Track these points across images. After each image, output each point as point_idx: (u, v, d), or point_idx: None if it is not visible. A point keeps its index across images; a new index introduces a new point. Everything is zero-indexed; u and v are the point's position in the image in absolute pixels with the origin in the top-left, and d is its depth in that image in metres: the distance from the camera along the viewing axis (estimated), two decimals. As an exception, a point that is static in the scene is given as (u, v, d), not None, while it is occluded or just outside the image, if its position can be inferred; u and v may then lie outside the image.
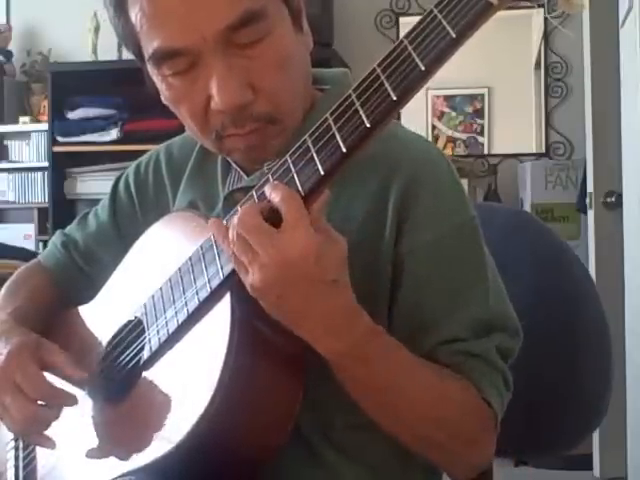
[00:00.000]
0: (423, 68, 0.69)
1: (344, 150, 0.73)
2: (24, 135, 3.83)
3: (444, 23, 0.68)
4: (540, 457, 2.86)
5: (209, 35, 0.85)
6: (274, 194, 0.76)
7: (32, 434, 0.96)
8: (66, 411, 0.95)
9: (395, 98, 0.70)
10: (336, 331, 0.80)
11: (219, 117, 0.89)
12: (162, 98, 0.96)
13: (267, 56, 0.88)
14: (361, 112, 0.72)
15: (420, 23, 0.70)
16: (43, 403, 0.94)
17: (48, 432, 0.96)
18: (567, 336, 1.14)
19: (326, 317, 0.79)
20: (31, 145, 3.81)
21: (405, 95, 0.70)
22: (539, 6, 3.53)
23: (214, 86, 0.86)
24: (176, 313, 0.89)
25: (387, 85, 0.71)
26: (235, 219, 0.77)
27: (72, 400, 0.94)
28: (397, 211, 0.92)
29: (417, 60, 0.69)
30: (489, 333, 0.91)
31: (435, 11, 0.69)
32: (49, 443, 0.96)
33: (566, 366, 1.12)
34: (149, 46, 0.89)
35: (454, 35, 0.67)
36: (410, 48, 0.70)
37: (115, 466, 0.91)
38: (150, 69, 0.93)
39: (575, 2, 0.68)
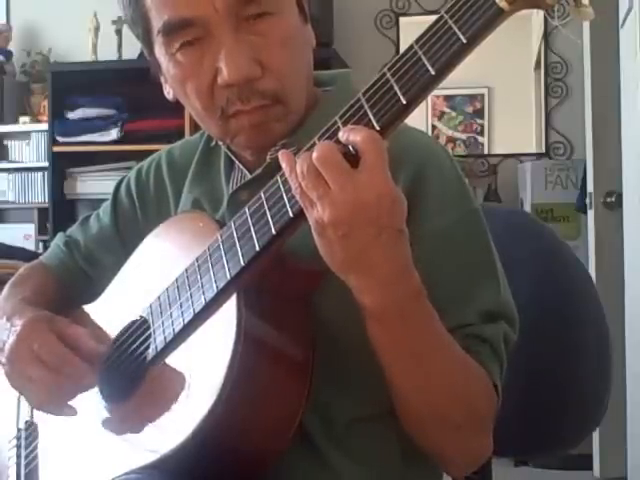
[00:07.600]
0: (433, 72, 0.70)
1: (353, 152, 0.74)
2: (24, 135, 3.82)
3: (454, 28, 0.69)
4: (540, 457, 2.86)
5: (220, 5, 0.87)
6: (354, 135, 0.73)
7: (57, 405, 0.95)
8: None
9: (405, 102, 0.72)
10: (388, 282, 0.78)
11: (225, 92, 0.90)
12: (169, 81, 0.96)
13: (275, 34, 0.90)
14: (370, 115, 0.74)
15: (430, 28, 0.71)
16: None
17: (51, 430, 0.95)
18: (566, 336, 1.14)
19: (383, 265, 0.76)
20: (31, 145, 3.80)
21: (415, 99, 0.72)
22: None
23: (222, 59, 0.88)
24: (182, 313, 0.89)
25: (397, 89, 0.72)
26: (307, 154, 0.74)
27: (88, 371, 0.93)
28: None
29: (427, 65, 0.71)
30: (496, 320, 0.92)
31: (446, 17, 0.70)
32: (74, 412, 0.95)
33: (566, 366, 1.13)
34: (160, 21, 0.91)
35: (465, 40, 0.69)
36: (420, 53, 0.71)
37: (118, 464, 0.91)
38: (158, 50, 0.94)
39: (584, 11, 0.69)
